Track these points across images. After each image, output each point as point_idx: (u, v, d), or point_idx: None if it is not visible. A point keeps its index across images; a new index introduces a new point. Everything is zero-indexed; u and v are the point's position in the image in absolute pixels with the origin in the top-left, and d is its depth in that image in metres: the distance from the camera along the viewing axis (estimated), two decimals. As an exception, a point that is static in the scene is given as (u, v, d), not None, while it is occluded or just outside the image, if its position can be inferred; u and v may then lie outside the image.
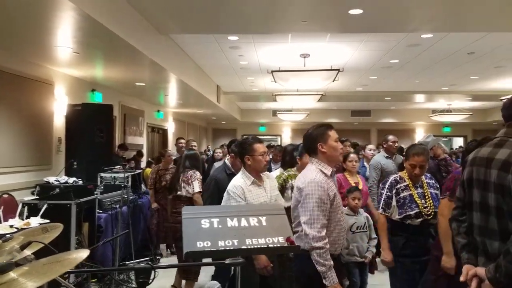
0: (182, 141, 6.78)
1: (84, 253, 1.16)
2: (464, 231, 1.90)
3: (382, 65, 8.20)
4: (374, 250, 3.46)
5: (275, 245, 1.47)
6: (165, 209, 5.48)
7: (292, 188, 3.28)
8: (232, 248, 1.41)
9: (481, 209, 1.78)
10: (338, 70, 6.70)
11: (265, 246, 1.46)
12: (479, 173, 1.79)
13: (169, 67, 6.37)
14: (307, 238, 2.23)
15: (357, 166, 4.13)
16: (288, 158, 3.72)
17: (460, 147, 15.66)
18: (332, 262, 2.22)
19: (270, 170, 4.72)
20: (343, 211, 2.51)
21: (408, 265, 2.87)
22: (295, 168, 3.52)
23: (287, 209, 3.21)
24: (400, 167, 3.20)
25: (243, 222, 1.52)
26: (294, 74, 6.91)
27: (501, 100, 10.22)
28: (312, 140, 2.45)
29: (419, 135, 17.15)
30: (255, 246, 1.45)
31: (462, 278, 1.80)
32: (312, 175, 2.34)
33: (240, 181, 2.77)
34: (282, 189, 3.32)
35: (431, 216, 2.87)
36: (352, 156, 4.10)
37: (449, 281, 2.61)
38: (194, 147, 5.97)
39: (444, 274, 2.66)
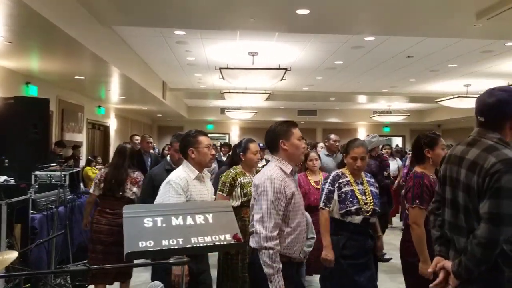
0: (137, 137, 6.54)
1: (12, 255, 1.05)
2: (439, 224, 1.96)
3: (328, 66, 8.41)
4: (310, 249, 3.43)
5: (222, 243, 1.43)
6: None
7: (241, 186, 3.22)
8: (176, 247, 1.34)
9: (452, 206, 1.84)
10: (286, 69, 6.77)
11: (212, 244, 1.41)
12: (452, 171, 1.84)
13: (111, 60, 6.10)
14: (257, 236, 2.14)
15: (318, 164, 4.14)
16: (235, 156, 3.67)
17: (397, 145, 16.52)
18: (280, 265, 2.12)
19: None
20: (304, 211, 2.40)
21: (347, 266, 2.80)
22: (240, 165, 3.43)
23: (235, 208, 3.13)
24: (340, 165, 3.22)
25: (189, 220, 1.46)
26: (242, 72, 6.89)
27: (436, 102, 10.90)
28: (274, 136, 2.36)
29: (361, 134, 17.86)
30: (201, 245, 1.40)
31: (430, 269, 1.88)
32: (270, 172, 2.26)
33: (184, 174, 2.58)
34: (232, 187, 3.23)
35: (370, 213, 2.85)
36: (312, 155, 4.12)
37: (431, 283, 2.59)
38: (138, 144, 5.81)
39: (425, 280, 2.62)
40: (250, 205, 2.36)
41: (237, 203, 3.22)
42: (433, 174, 2.70)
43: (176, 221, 1.44)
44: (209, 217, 1.49)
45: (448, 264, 1.79)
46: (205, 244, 1.39)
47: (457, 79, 9.62)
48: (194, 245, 1.38)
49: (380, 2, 4.52)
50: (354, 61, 8.00)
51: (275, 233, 2.14)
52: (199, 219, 1.47)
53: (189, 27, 5.69)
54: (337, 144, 5.20)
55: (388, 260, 5.51)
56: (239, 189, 3.23)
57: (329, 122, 17.52)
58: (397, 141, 19.80)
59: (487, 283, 1.69)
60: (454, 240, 1.82)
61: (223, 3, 4.58)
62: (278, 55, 7.44)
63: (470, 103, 10.09)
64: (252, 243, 2.29)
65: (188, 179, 2.55)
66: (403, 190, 2.91)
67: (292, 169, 2.35)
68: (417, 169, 2.78)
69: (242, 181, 3.27)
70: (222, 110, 15.57)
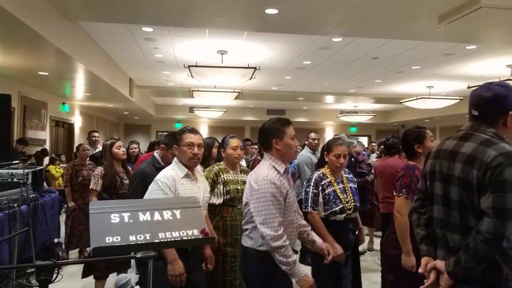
0: (96, 134, 6.40)
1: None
2: (424, 223, 1.89)
3: (296, 66, 8.52)
4: None
5: (190, 238, 1.44)
6: (82, 209, 5.13)
7: (224, 183, 3.17)
8: (144, 242, 1.35)
9: (443, 202, 1.76)
10: (255, 68, 6.81)
11: (179, 239, 1.42)
12: (443, 166, 1.77)
13: (77, 56, 5.94)
14: (265, 239, 2.15)
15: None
16: (218, 153, 3.63)
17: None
18: (294, 257, 2.17)
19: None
20: (296, 209, 2.43)
21: (334, 262, 2.74)
22: (223, 162, 3.38)
23: (217, 207, 3.13)
24: (319, 165, 3.23)
25: (156, 216, 1.46)
26: (211, 70, 6.87)
27: (400, 103, 11.24)
28: (267, 135, 2.34)
29: (329, 134, 18.18)
30: (169, 240, 1.40)
31: (421, 270, 1.80)
32: (265, 172, 2.26)
33: (171, 172, 2.51)
34: (214, 184, 3.15)
35: (352, 210, 2.93)
36: None
37: (411, 279, 2.50)
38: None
39: (406, 272, 2.63)
40: (244, 202, 2.36)
41: (218, 200, 3.14)
42: None
43: (143, 217, 1.44)
44: (177, 212, 1.50)
45: (440, 264, 1.71)
46: (172, 239, 1.40)
47: (421, 81, 9.97)
48: (162, 240, 1.39)
49: (347, 4, 4.63)
50: (322, 62, 8.14)
51: (281, 231, 2.16)
52: (167, 215, 1.47)
53: (157, 24, 5.62)
54: (316, 142, 5.25)
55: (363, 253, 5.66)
56: (221, 186, 3.15)
57: (298, 122, 17.72)
58: (363, 141, 20.28)
59: (484, 282, 1.62)
60: (447, 237, 1.74)
61: (192, 0, 4.56)
62: (247, 54, 7.47)
63: (433, 104, 10.49)
64: (245, 242, 2.33)
65: (176, 178, 2.48)
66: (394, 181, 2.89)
67: (285, 168, 2.35)
68: (410, 162, 2.83)
69: (226, 178, 3.19)
70: (191, 109, 15.44)
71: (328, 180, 2.95)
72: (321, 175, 2.98)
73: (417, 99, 10.32)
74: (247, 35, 6.34)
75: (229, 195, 3.12)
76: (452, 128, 11.04)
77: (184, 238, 1.42)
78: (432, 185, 1.83)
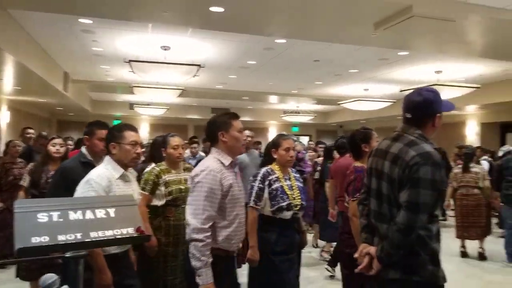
0: (31, 131, 6.00)
1: None
2: (366, 214, 2.11)
3: (241, 65, 8.55)
4: None
5: (124, 236, 1.39)
6: (11, 211, 4.76)
7: (165, 184, 3.08)
8: (74, 242, 1.28)
9: (377, 196, 1.99)
10: (199, 65, 6.75)
11: (113, 237, 1.37)
12: (378, 163, 2.00)
13: (5, 46, 5.53)
14: (189, 228, 2.07)
15: None
16: (157, 152, 3.52)
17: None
18: (209, 259, 2.06)
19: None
20: (243, 204, 2.35)
21: (279, 262, 2.76)
22: (164, 161, 3.29)
23: (160, 208, 3.04)
24: (263, 164, 3.19)
25: (89, 215, 1.39)
26: (154, 66, 6.71)
27: (339, 104, 11.69)
28: (213, 128, 2.30)
29: (272, 133, 18.46)
30: (102, 239, 1.35)
31: (356, 255, 2.03)
32: (207, 164, 2.21)
33: (106, 172, 2.31)
34: (155, 185, 3.06)
35: (299, 208, 2.90)
36: None
37: (365, 276, 2.71)
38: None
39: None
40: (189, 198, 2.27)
41: (161, 202, 3.07)
42: None
43: (74, 215, 1.37)
44: (111, 211, 1.44)
45: (372, 249, 1.94)
46: (105, 238, 1.35)
47: (358, 83, 10.43)
48: (94, 240, 1.33)
49: (290, 7, 4.72)
50: (266, 62, 8.25)
51: (207, 226, 2.08)
52: (100, 213, 1.41)
53: (96, 15, 5.37)
54: (249, 139, 5.21)
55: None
56: (163, 188, 3.07)
57: (242, 121, 17.51)
58: (304, 140, 20.83)
59: (405, 266, 1.85)
60: (378, 227, 1.97)
61: (134, -7, 4.42)
62: (192, 51, 7.38)
63: (368, 106, 11.03)
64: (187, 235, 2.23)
65: (111, 178, 2.31)
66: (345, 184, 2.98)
67: (232, 161, 2.30)
68: (357, 163, 2.94)
69: (167, 179, 3.11)
70: (131, 105, 14.90)
71: (276, 175, 2.91)
72: (269, 170, 2.94)
73: (354, 101, 10.80)
74: (191, 32, 6.26)
75: (171, 196, 3.07)
76: (386, 129, 11.65)
77: (118, 237, 1.37)
78: (370, 180, 2.05)
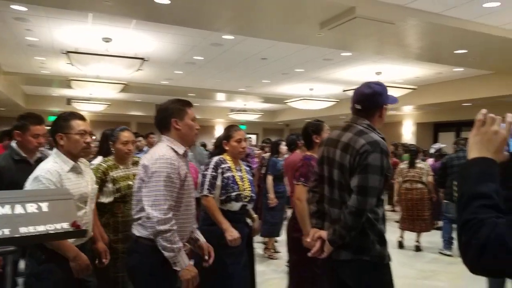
0: None
1: None
2: (316, 200, 2.22)
3: (187, 60, 8.40)
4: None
5: (57, 231, 1.29)
6: None
7: (113, 181, 2.94)
8: (1, 237, 1.16)
9: (329, 182, 2.11)
10: (143, 59, 6.53)
11: (45, 233, 1.26)
12: (329, 152, 2.11)
13: None
14: (151, 221, 2.01)
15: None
16: (106, 144, 3.34)
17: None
18: (180, 244, 2.06)
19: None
20: (193, 194, 2.32)
21: (225, 256, 2.75)
22: (112, 156, 3.12)
23: (107, 205, 2.90)
24: (215, 154, 3.14)
25: (18, 209, 1.27)
26: (94, 58, 6.38)
27: (285, 103, 11.87)
28: (166, 114, 2.21)
29: (219, 131, 18.37)
30: (32, 234, 1.24)
31: (308, 239, 2.14)
32: (162, 152, 2.12)
33: (55, 166, 2.18)
34: (102, 182, 2.91)
35: (248, 200, 2.93)
36: None
37: (313, 258, 2.75)
38: None
39: (307, 253, 2.75)
40: (137, 188, 2.18)
41: (109, 199, 2.93)
42: None
43: (2, 210, 1.24)
44: (44, 205, 1.33)
45: (323, 233, 2.07)
46: (37, 234, 1.24)
47: (303, 83, 10.65)
48: (24, 235, 1.21)
49: (237, 2, 4.70)
50: (214, 58, 8.17)
51: (170, 215, 2.04)
52: (31, 207, 1.30)
53: (31, 2, 5.01)
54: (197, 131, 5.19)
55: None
56: (110, 184, 2.94)
57: (188, 118, 17.55)
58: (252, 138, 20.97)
59: (356, 246, 2.00)
60: (330, 212, 2.10)
61: (73, -21, 4.17)
62: (135, 44, 7.12)
63: (313, 105, 11.30)
64: (137, 231, 2.16)
65: (61, 172, 2.17)
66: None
67: (185, 151, 2.24)
68: (308, 153, 3.11)
69: (115, 175, 2.98)
70: (68, 101, 14.09)
71: (228, 165, 2.94)
72: (222, 159, 2.95)
73: (299, 100, 11.01)
74: (135, 24, 6.04)
75: (119, 193, 2.95)
76: (331, 127, 12.00)
77: (51, 232, 1.27)
78: (322, 168, 2.17)
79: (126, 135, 3.06)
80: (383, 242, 2.05)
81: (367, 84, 2.11)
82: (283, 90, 11.99)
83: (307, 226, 2.74)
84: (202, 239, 2.48)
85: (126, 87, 8.97)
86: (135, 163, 3.16)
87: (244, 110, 15.77)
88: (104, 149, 3.47)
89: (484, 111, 1.04)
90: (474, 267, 0.88)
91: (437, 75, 9.18)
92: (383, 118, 2.13)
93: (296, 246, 2.96)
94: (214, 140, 4.33)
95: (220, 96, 13.73)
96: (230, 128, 3.09)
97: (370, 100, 2.08)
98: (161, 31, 6.40)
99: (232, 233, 2.72)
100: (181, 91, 12.31)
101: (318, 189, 2.22)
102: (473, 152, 1.00)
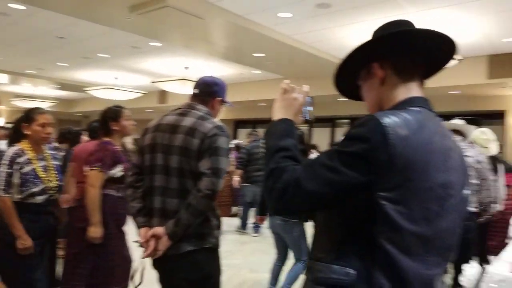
0: None
1: None
2: (140, 196, 2.03)
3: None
4: None
5: None
6: None
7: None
8: None
9: (163, 171, 1.96)
10: None
11: None
12: (164, 138, 1.98)
13: None
14: None
15: None
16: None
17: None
18: None
19: None
20: None
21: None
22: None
23: None
24: (12, 141, 2.76)
25: None
26: None
27: (84, 91, 10.89)
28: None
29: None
30: None
31: (142, 240, 1.94)
32: None
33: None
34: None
35: (55, 190, 2.72)
36: None
37: (94, 251, 2.73)
38: None
39: (88, 245, 2.72)
40: None
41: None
42: (119, 144, 2.92)
43: None
44: None
45: (159, 230, 1.90)
46: None
47: (108, 70, 9.99)
48: None
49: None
50: (-4, 30, 6.81)
51: None
52: None
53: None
54: None
55: None
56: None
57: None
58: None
59: (198, 235, 1.93)
60: (166, 203, 1.95)
61: None
62: None
63: (118, 96, 10.71)
64: None
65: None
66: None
67: None
68: (105, 139, 2.91)
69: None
70: None
71: (27, 157, 2.63)
72: (19, 152, 2.62)
73: (103, 88, 10.29)
74: None
75: None
76: (136, 120, 11.64)
77: None
78: (153, 156, 2.01)
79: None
80: (220, 225, 2.06)
81: (211, 76, 2.23)
82: (84, 77, 10.96)
83: (97, 215, 2.72)
84: None
85: None
86: None
87: (33, 97, 13.75)
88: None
89: (287, 81, 1.24)
90: (277, 207, 1.04)
91: (240, 76, 9.95)
92: (216, 110, 2.18)
93: (79, 237, 2.79)
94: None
95: (3, 78, 11.61)
96: (34, 110, 2.75)
97: (209, 86, 2.15)
98: None
99: (25, 242, 2.53)
100: None
101: (144, 183, 2.05)
102: (277, 114, 1.18)
